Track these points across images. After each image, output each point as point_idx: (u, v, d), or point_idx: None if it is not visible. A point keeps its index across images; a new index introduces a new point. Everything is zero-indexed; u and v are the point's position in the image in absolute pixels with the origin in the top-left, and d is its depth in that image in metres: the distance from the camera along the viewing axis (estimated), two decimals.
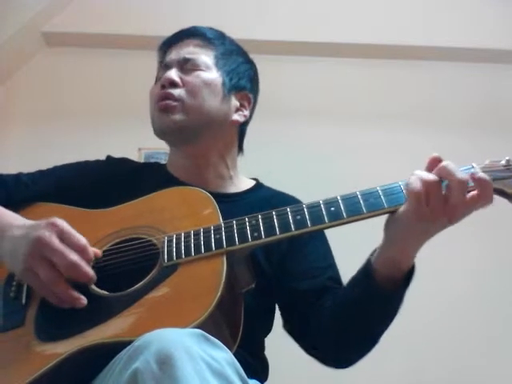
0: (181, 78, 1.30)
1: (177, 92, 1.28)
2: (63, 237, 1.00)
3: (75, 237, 1.01)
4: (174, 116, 1.27)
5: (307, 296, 1.18)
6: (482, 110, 2.39)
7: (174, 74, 1.30)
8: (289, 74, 2.42)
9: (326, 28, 2.43)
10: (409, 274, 1.02)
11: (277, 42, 2.43)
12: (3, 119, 2.43)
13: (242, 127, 1.39)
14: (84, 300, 0.98)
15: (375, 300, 1.02)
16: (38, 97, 2.47)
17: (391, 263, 1.00)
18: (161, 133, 1.31)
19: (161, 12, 2.44)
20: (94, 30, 2.46)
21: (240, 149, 1.41)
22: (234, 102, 1.34)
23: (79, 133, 2.35)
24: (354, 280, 1.08)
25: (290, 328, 1.23)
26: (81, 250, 1.00)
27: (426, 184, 0.91)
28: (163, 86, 1.30)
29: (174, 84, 1.29)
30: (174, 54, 1.34)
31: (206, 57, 1.33)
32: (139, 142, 2.28)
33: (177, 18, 2.35)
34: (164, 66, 1.35)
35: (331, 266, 1.25)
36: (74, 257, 0.98)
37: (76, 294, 0.99)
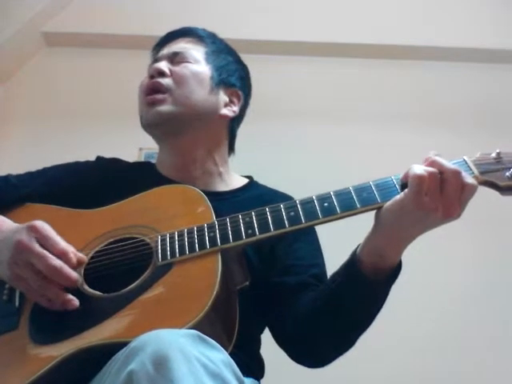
0: (169, 69, 1.31)
1: (165, 81, 1.29)
2: (43, 241, 0.99)
3: (54, 241, 1.00)
4: (161, 107, 1.27)
5: (288, 290, 1.17)
6: (481, 109, 2.38)
7: (162, 64, 1.32)
8: (289, 73, 2.41)
9: (325, 28, 2.42)
10: (395, 272, 1.01)
11: (276, 42, 2.42)
12: (3, 119, 2.43)
13: (231, 125, 1.39)
14: (76, 301, 0.98)
15: (357, 289, 1.00)
16: (37, 97, 2.47)
17: (377, 253, 0.99)
18: (148, 126, 1.32)
19: (161, 12, 2.43)
20: (94, 30, 2.46)
21: (231, 148, 1.41)
22: (223, 97, 1.35)
23: (79, 133, 2.35)
24: (337, 271, 1.07)
25: (268, 321, 1.23)
26: (61, 255, 0.99)
27: (427, 172, 0.92)
28: (152, 77, 1.31)
29: (162, 74, 1.30)
30: (165, 51, 1.37)
31: (195, 51, 1.35)
32: (139, 142, 2.27)
33: (176, 18, 2.34)
34: (154, 61, 1.37)
35: (317, 264, 1.25)
36: (54, 261, 0.97)
37: (67, 296, 0.98)
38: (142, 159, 2.27)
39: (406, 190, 0.93)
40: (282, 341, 1.19)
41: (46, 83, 2.48)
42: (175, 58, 1.33)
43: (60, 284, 0.98)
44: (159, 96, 1.28)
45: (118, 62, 2.47)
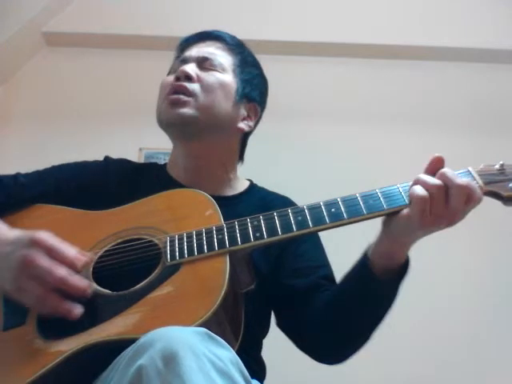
0: (197, 74, 1.30)
1: (191, 86, 1.28)
2: (49, 252, 0.98)
3: (61, 250, 0.99)
4: (184, 109, 1.26)
5: (300, 293, 1.19)
6: (482, 110, 2.39)
7: (191, 68, 1.30)
8: (289, 73, 2.42)
9: (326, 28, 2.43)
10: (403, 269, 1.05)
11: (277, 42, 2.43)
12: (3, 119, 2.42)
13: (244, 137, 1.40)
14: (78, 310, 0.96)
15: (371, 289, 1.04)
16: (37, 97, 2.47)
17: (388, 256, 1.03)
18: (166, 125, 1.31)
19: (161, 12, 2.43)
20: (94, 30, 2.46)
21: (240, 158, 1.43)
22: (242, 111, 1.35)
23: (79, 133, 2.35)
24: (350, 273, 1.10)
25: (284, 325, 1.24)
26: (70, 263, 0.98)
27: (431, 189, 0.93)
28: (178, 79, 1.30)
29: (189, 78, 1.29)
30: (194, 52, 1.35)
31: (224, 60, 1.34)
32: (140, 142, 2.28)
33: (177, 18, 2.36)
34: (181, 61, 1.35)
35: (325, 265, 1.27)
36: (61, 271, 0.96)
37: (68, 305, 0.96)
38: (142, 159, 2.27)
39: (410, 208, 0.96)
40: (301, 343, 1.21)
41: (46, 83, 2.48)
42: (204, 63, 1.32)
43: (69, 294, 0.97)
44: (184, 98, 1.27)
45: (118, 62, 2.47)
